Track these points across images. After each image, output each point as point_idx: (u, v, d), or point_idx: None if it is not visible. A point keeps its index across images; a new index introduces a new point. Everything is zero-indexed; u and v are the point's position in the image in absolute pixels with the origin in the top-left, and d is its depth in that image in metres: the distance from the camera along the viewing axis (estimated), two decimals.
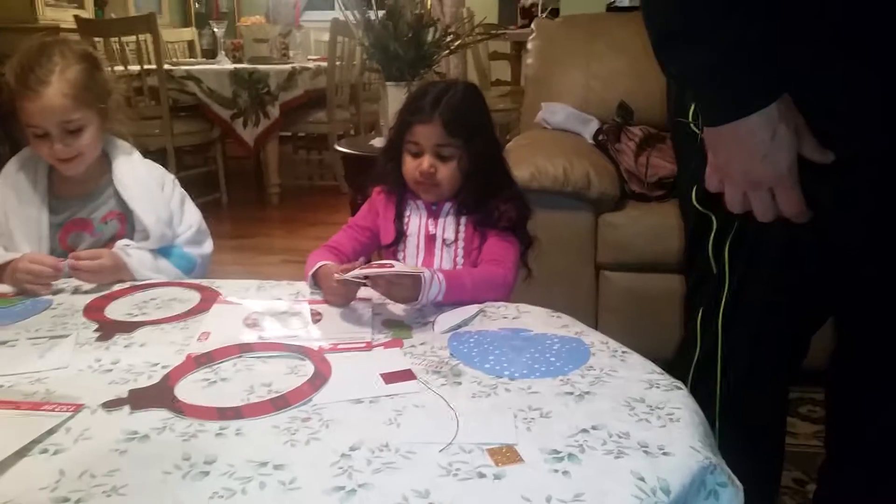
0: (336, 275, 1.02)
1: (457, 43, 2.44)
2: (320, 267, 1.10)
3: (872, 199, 0.75)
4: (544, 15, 3.68)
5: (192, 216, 1.38)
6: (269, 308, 1.05)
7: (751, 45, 0.67)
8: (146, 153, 1.45)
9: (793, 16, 0.69)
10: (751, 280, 0.91)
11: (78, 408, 0.76)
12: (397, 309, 1.04)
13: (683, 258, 1.02)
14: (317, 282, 1.11)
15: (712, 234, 0.93)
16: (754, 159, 0.71)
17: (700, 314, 0.98)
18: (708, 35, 0.68)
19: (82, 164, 1.27)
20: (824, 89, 0.70)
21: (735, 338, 0.94)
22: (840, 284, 0.88)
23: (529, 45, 2.42)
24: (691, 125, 0.88)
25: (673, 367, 0.86)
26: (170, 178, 1.39)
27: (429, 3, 2.34)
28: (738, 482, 0.71)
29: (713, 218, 0.92)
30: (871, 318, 0.86)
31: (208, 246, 1.39)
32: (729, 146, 0.72)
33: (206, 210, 1.47)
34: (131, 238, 1.28)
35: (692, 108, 0.90)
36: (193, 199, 1.42)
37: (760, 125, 0.69)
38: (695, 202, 0.95)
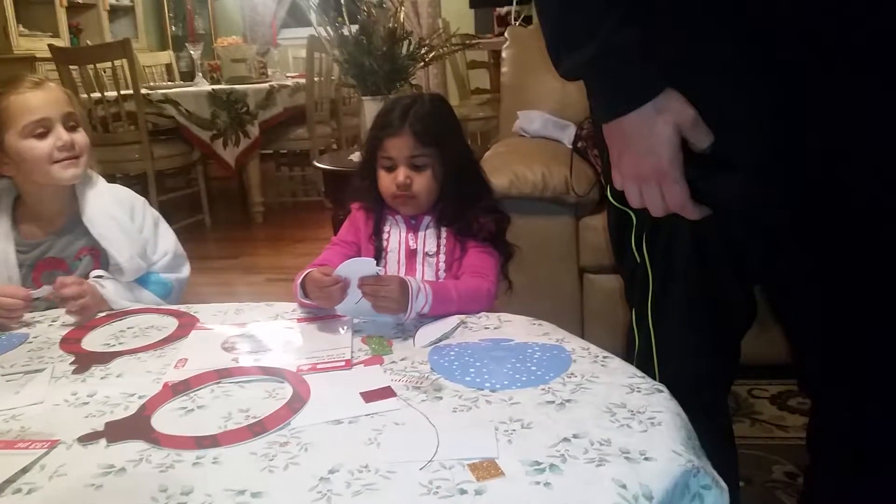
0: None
1: (431, 55, 2.44)
2: (307, 274, 1.09)
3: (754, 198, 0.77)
4: (518, 23, 3.70)
5: (166, 242, 1.35)
6: (247, 331, 1.04)
7: (625, 46, 0.70)
8: (127, 179, 1.44)
9: (672, 16, 0.72)
10: (671, 274, 0.92)
11: (53, 444, 0.74)
12: (377, 325, 1.04)
13: (613, 254, 1.03)
14: (305, 290, 1.09)
15: (633, 231, 0.94)
16: (638, 154, 0.73)
17: (634, 309, 0.98)
18: (586, 37, 0.71)
19: (79, 166, 1.26)
20: (704, 92, 0.72)
21: (666, 331, 0.95)
22: (752, 279, 0.90)
23: (504, 54, 2.43)
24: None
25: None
26: (140, 202, 1.36)
27: (401, 16, 2.34)
28: (722, 483, 0.71)
29: (631, 214, 0.93)
30: (798, 319, 0.87)
31: (186, 270, 1.37)
32: (618, 142, 0.75)
33: (190, 232, 1.46)
34: (106, 271, 1.26)
35: None
36: (177, 223, 1.40)
37: (639, 122, 0.71)
38: (611, 199, 0.96)
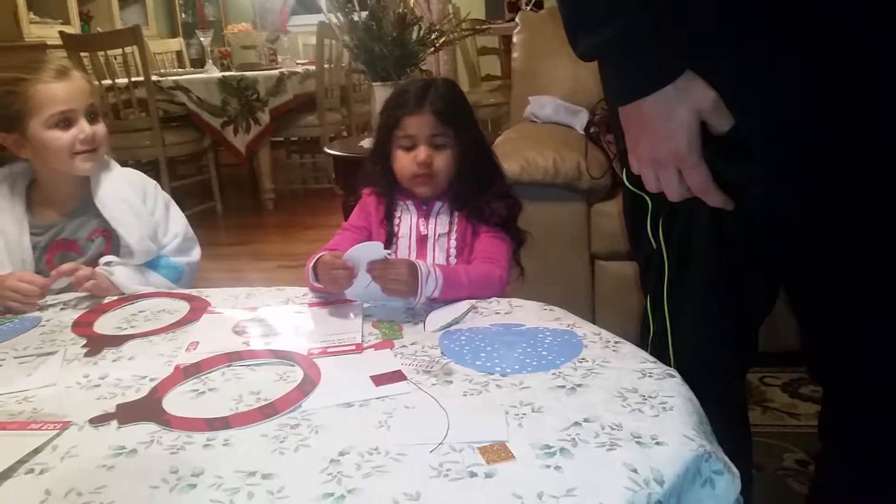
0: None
1: (442, 40, 2.42)
2: (318, 258, 1.08)
3: (773, 177, 0.75)
4: (529, 8, 3.67)
5: (177, 224, 1.36)
6: (258, 315, 1.04)
7: (646, 26, 0.68)
8: (139, 165, 1.45)
9: (672, 16, 0.69)
10: (688, 260, 0.91)
11: (65, 425, 0.75)
12: (387, 309, 1.03)
13: (628, 240, 1.02)
14: (316, 274, 1.09)
15: (649, 215, 0.92)
16: (656, 138, 0.72)
17: (649, 295, 0.97)
18: (606, 17, 0.69)
19: (98, 158, 1.29)
20: (718, 73, 0.70)
21: (681, 318, 0.94)
22: (771, 264, 0.88)
23: (515, 39, 2.41)
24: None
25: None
26: (151, 185, 1.38)
27: (411, 1, 2.32)
28: (734, 469, 0.70)
29: (647, 199, 0.92)
30: (812, 302, 0.85)
31: (196, 253, 1.38)
32: (636, 125, 0.73)
33: (202, 219, 1.47)
34: (117, 254, 1.27)
35: None
36: (188, 209, 1.41)
37: (658, 105, 0.70)
38: (627, 183, 0.95)
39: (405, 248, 1.21)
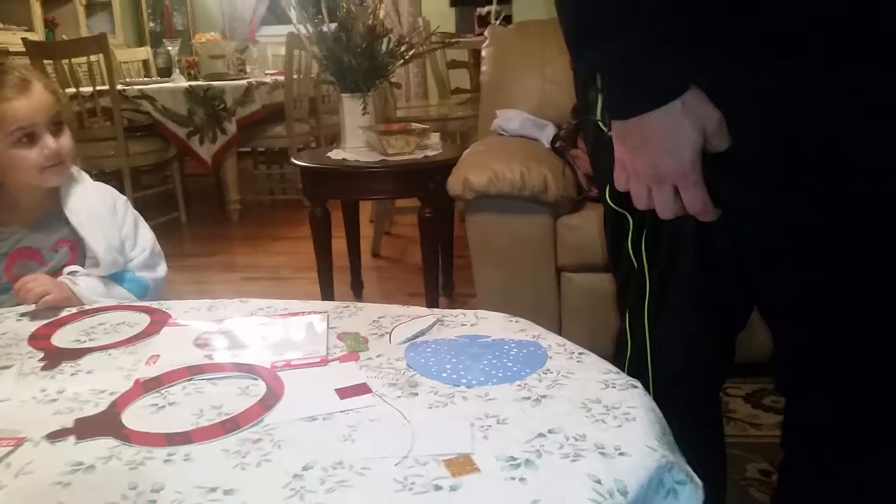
0: None
1: (411, 53, 2.44)
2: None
3: (769, 198, 0.75)
4: (497, 22, 3.71)
5: (145, 239, 1.35)
6: (221, 328, 1.02)
7: (656, 41, 0.67)
8: (102, 175, 1.45)
9: (704, 13, 0.69)
10: (670, 278, 0.91)
11: (19, 441, 0.73)
12: (352, 322, 1.03)
13: (607, 256, 1.02)
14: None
15: (630, 233, 0.92)
16: (659, 154, 0.71)
17: (628, 312, 0.98)
18: (614, 30, 0.68)
19: (66, 170, 1.27)
20: (722, 88, 0.70)
21: (661, 335, 0.94)
22: (756, 283, 0.88)
23: (484, 53, 2.43)
24: (599, 122, 0.88)
25: (614, 365, 0.86)
26: (122, 200, 1.36)
27: (381, 13, 2.33)
28: (697, 479, 0.71)
29: (628, 217, 0.92)
30: (790, 315, 0.86)
31: (162, 269, 1.36)
32: (635, 140, 0.72)
33: (166, 230, 1.47)
34: (83, 265, 1.25)
35: (599, 103, 0.89)
36: (152, 220, 1.40)
37: (665, 120, 0.69)
38: (608, 201, 0.95)
39: None
